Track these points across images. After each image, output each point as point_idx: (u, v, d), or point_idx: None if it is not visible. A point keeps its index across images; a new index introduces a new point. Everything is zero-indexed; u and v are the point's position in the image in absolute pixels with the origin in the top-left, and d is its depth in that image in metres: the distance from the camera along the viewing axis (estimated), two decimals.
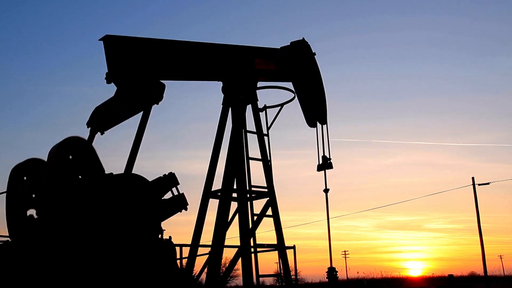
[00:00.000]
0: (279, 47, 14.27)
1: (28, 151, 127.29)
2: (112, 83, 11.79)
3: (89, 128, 11.67)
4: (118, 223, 10.87)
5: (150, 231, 11.22)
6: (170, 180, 11.87)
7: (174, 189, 11.90)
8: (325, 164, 14.05)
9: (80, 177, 11.08)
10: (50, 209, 10.66)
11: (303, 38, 14.32)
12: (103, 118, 11.61)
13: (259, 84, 14.09)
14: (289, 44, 14.33)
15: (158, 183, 11.73)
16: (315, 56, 14.21)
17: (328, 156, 14.12)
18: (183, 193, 11.96)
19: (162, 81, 12.33)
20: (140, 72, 12.05)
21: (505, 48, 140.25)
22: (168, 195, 11.93)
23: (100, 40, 11.76)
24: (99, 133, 11.63)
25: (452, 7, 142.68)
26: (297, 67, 14.09)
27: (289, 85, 14.45)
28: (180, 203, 11.89)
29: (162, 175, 11.88)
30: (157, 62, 12.38)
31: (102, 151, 11.91)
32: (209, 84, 13.88)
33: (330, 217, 14.06)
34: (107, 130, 11.90)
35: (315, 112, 14.32)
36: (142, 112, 11.98)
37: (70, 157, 11.09)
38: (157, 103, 12.18)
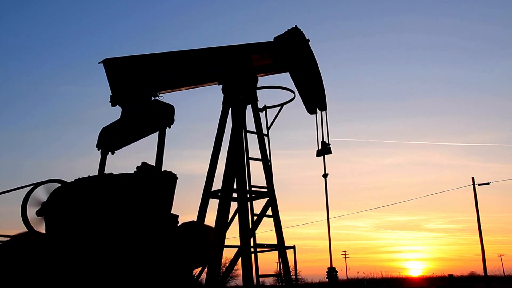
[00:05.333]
0: (273, 40, 14.06)
1: (28, 151, 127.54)
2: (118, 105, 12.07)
3: (100, 150, 11.82)
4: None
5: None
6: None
7: None
8: (324, 150, 14.00)
9: None
10: None
11: (296, 26, 14.11)
12: (111, 140, 11.68)
13: (260, 79, 14.06)
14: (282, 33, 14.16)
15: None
16: (309, 42, 14.02)
17: (327, 142, 14.11)
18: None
19: (168, 101, 12.26)
20: (141, 89, 12.15)
21: (505, 50, 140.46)
22: None
23: (100, 63, 12.14)
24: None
25: (453, 10, 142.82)
26: (291, 55, 13.91)
27: (289, 81, 14.41)
28: None
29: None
30: (156, 75, 12.58)
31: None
32: (209, 85, 13.91)
33: (330, 217, 14.06)
34: (118, 150, 12.00)
35: (313, 98, 14.21)
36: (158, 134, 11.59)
37: None
38: (169, 126, 11.80)
